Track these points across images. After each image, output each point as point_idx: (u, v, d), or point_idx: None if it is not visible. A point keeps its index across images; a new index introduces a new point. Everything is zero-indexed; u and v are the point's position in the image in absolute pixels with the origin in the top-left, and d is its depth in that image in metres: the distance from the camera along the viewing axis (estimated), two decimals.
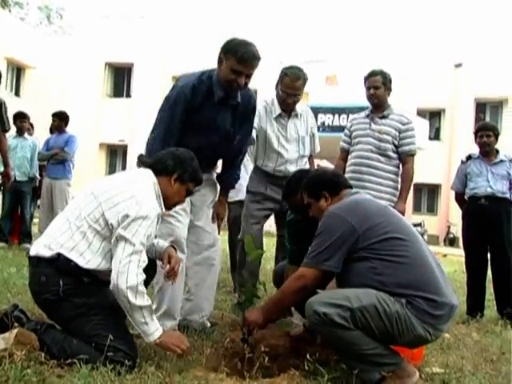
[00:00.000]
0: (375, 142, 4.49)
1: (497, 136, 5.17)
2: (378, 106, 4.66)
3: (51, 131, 7.80)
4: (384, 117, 4.60)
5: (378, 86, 4.63)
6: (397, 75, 21.85)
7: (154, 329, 2.58)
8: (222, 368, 2.69)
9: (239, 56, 3.18)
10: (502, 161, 5.15)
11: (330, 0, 45.78)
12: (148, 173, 2.82)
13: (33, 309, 3.27)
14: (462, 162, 5.37)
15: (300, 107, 4.39)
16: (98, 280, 2.64)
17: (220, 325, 3.57)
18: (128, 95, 24.40)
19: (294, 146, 4.30)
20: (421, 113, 22.98)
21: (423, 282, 2.62)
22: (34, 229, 8.01)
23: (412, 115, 20.86)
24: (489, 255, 5.13)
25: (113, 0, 33.37)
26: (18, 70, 23.49)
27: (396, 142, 4.50)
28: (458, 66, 23.91)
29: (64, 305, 2.57)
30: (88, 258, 2.58)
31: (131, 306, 2.52)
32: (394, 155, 4.53)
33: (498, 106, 23.74)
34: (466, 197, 5.27)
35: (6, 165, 5.65)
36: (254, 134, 4.17)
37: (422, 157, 18.27)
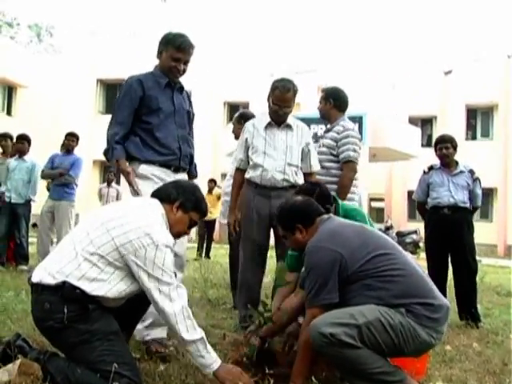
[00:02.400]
0: (318, 157, 4.58)
1: (455, 147, 5.46)
2: (325, 119, 4.90)
3: (66, 150, 7.69)
4: (328, 130, 4.74)
5: (320, 101, 4.84)
6: (387, 84, 21.95)
7: (210, 361, 2.59)
8: None
9: (177, 45, 3.65)
10: (461, 171, 5.43)
11: (319, 11, 46.01)
12: (156, 203, 2.81)
13: (34, 335, 3.24)
14: (425, 173, 5.62)
15: (295, 121, 4.41)
16: (102, 307, 2.61)
17: (222, 344, 3.55)
18: None
19: (281, 153, 4.27)
20: (412, 120, 23.08)
21: (417, 288, 2.66)
22: (30, 249, 7.96)
23: (404, 123, 21.04)
24: (449, 262, 5.39)
25: (103, 17, 33.45)
26: (9, 90, 23.46)
27: (334, 152, 4.59)
28: (448, 73, 24.05)
29: (68, 332, 2.54)
30: (97, 285, 2.56)
31: (185, 342, 2.56)
32: (331, 165, 4.61)
33: (488, 111, 23.88)
34: (427, 206, 5.50)
35: None
36: (243, 153, 4.34)
37: (415, 164, 18.47)
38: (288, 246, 3.09)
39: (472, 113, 24.01)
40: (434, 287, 2.75)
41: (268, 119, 4.30)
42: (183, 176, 3.78)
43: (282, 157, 4.24)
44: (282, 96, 4.17)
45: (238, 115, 5.41)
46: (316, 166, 4.44)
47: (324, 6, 46.99)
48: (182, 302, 2.59)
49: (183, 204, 2.84)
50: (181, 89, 3.88)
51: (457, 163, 5.47)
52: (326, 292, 2.65)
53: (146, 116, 3.65)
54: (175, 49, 3.67)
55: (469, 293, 5.24)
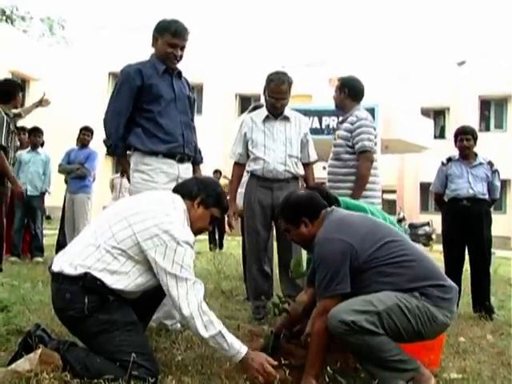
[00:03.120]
0: (332, 149, 4.60)
1: (475, 139, 5.41)
2: (339, 110, 4.81)
3: (81, 144, 7.77)
4: (343, 121, 4.66)
5: (335, 90, 4.72)
6: (399, 75, 21.88)
7: (234, 352, 2.60)
8: (242, 380, 2.67)
9: (173, 31, 3.66)
10: (480, 163, 5.41)
11: (329, 1, 45.78)
12: (178, 199, 2.83)
13: (52, 325, 3.32)
14: (443, 164, 5.58)
15: (292, 113, 4.48)
16: (121, 298, 2.66)
17: (237, 335, 3.57)
18: None
19: (280, 145, 4.33)
20: (425, 112, 22.99)
21: (428, 271, 2.72)
22: (45, 241, 8.04)
23: (416, 115, 20.95)
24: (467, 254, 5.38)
25: (114, 10, 33.54)
26: (22, 83, 23.61)
27: (350, 143, 4.50)
28: (461, 63, 23.90)
29: (88, 322, 2.59)
30: (117, 279, 2.61)
31: (204, 338, 2.58)
32: (349, 156, 4.51)
33: (502, 103, 23.75)
34: (446, 198, 5.48)
35: (11, 182, 5.55)
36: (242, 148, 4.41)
37: (427, 155, 18.42)
38: (290, 239, 3.09)
39: (485, 104, 23.88)
40: (441, 270, 2.82)
41: (265, 112, 4.38)
42: (188, 166, 3.80)
43: (282, 148, 4.30)
44: (277, 88, 4.25)
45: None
46: (313, 157, 4.50)
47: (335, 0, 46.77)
48: (199, 298, 2.61)
49: (204, 200, 2.87)
50: (179, 74, 3.89)
51: (476, 155, 5.45)
52: (338, 282, 2.67)
53: (147, 104, 3.65)
54: (171, 35, 3.68)
55: (483, 285, 5.25)
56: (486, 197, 5.36)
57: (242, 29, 26.79)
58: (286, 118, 4.37)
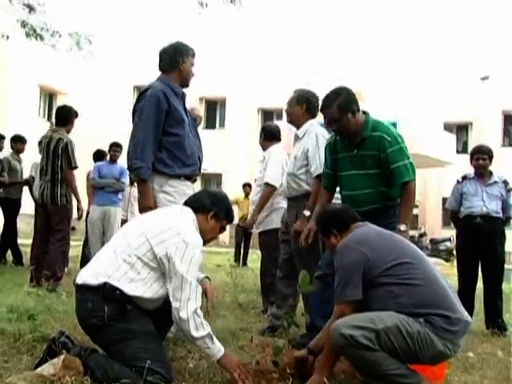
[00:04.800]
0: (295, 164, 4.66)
1: (491, 158, 5.46)
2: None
3: (111, 159, 7.98)
4: (298, 137, 4.62)
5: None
6: (422, 90, 21.85)
7: (215, 351, 2.84)
8: None
9: (193, 52, 3.95)
10: (495, 182, 5.47)
11: (351, 18, 45.96)
12: (188, 211, 3.05)
13: (74, 333, 3.46)
14: (458, 182, 5.63)
15: (303, 128, 4.46)
16: (139, 308, 2.84)
17: (250, 346, 3.71)
18: None
19: (289, 164, 4.53)
20: (448, 127, 22.98)
21: (437, 300, 2.79)
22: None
23: (439, 130, 20.94)
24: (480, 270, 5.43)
25: (140, 26, 34.08)
26: (50, 97, 24.19)
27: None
28: (485, 78, 23.83)
29: (108, 330, 2.77)
30: (135, 286, 2.79)
31: (194, 338, 2.80)
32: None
33: None
34: (460, 215, 5.52)
35: (78, 200, 5.88)
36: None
37: (450, 170, 18.39)
38: (327, 248, 3.33)
39: (509, 119, 23.78)
40: (456, 300, 2.87)
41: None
42: (194, 185, 4.00)
43: (291, 166, 4.45)
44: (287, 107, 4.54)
45: (261, 129, 5.61)
46: (314, 170, 4.30)
47: (357, 14, 46.91)
48: (198, 303, 2.83)
49: (217, 214, 3.09)
50: (184, 96, 3.98)
51: (491, 173, 5.51)
52: (351, 289, 2.83)
53: (173, 128, 3.77)
54: (192, 56, 3.94)
55: (496, 302, 5.31)
56: (500, 215, 5.41)
57: (264, 44, 27.01)
58: (298, 137, 4.50)
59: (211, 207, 3.09)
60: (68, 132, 6.02)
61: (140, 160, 3.66)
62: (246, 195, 12.60)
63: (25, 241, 8.46)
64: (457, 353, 2.97)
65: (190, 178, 3.90)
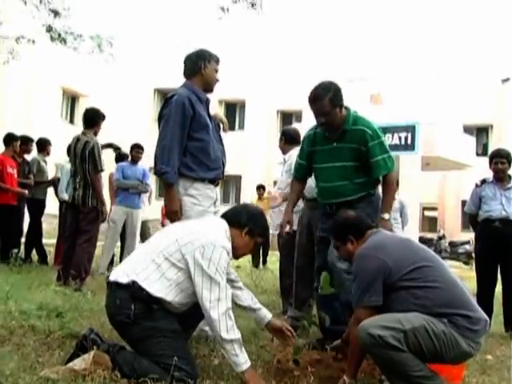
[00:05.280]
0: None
1: (510, 162, 5.47)
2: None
3: (133, 160, 8.10)
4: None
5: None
6: (441, 92, 21.65)
7: (243, 361, 2.82)
8: None
9: (217, 58, 4.03)
10: None
11: (370, 20, 45.82)
12: (221, 221, 3.13)
13: (102, 331, 3.54)
14: (477, 186, 5.66)
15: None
16: (165, 309, 2.91)
17: (270, 346, 3.77)
18: None
19: None
20: (467, 129, 22.80)
21: (458, 300, 2.85)
22: None
23: (458, 132, 20.81)
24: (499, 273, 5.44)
25: (160, 29, 34.34)
26: (72, 99, 24.47)
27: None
28: (506, 80, 23.62)
29: (135, 327, 2.85)
30: (158, 288, 2.86)
31: (223, 339, 2.80)
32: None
33: None
34: (479, 219, 5.55)
35: (102, 203, 5.96)
36: None
37: (469, 173, 18.29)
38: (340, 255, 3.38)
39: None
40: (473, 300, 2.93)
41: None
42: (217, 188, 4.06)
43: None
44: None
45: (281, 132, 5.69)
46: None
47: (376, 17, 46.74)
48: (228, 304, 2.86)
49: (251, 230, 3.13)
50: (208, 101, 4.05)
51: (510, 177, 5.54)
52: (370, 295, 2.89)
53: (198, 133, 3.84)
54: (215, 62, 4.01)
55: None
56: None
57: (283, 47, 27.09)
58: None
59: (247, 223, 3.12)
60: (95, 134, 6.09)
61: (166, 165, 3.73)
62: (259, 197, 12.62)
63: (48, 240, 8.61)
64: (478, 352, 3.01)
65: (214, 181, 3.97)
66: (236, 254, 3.12)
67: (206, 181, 3.90)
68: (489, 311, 5.10)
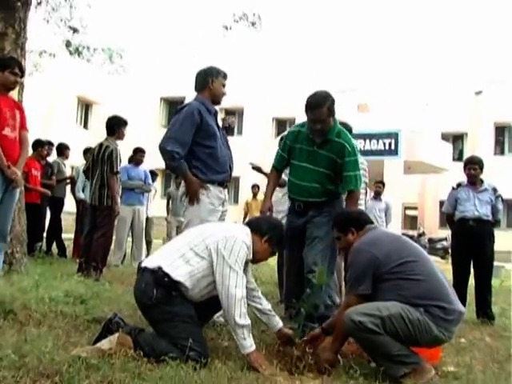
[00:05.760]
0: None
1: (482, 168, 5.60)
2: None
3: (136, 163, 8.17)
4: None
5: None
6: (421, 102, 21.76)
7: (249, 344, 2.92)
8: (275, 365, 2.96)
9: (223, 74, 4.11)
10: (486, 189, 5.60)
11: (359, 35, 46.04)
12: (245, 227, 3.24)
13: (122, 315, 3.68)
14: (453, 189, 5.79)
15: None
16: (184, 296, 3.00)
17: (267, 332, 3.69)
18: None
19: None
20: (445, 136, 23.01)
21: (436, 293, 2.98)
22: None
23: (437, 139, 20.96)
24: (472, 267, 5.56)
25: (166, 42, 34.39)
26: (86, 106, 24.54)
27: None
28: (479, 93, 23.83)
29: (155, 310, 2.95)
30: (180, 273, 2.95)
31: (236, 323, 2.89)
32: None
33: None
34: (455, 218, 5.68)
35: (115, 202, 6.01)
36: None
37: (446, 176, 18.43)
38: (339, 246, 3.48)
39: (500, 130, 23.71)
40: (452, 293, 3.06)
41: None
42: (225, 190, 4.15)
43: None
44: None
45: (280, 138, 5.76)
46: None
47: (365, 33, 46.94)
48: (244, 292, 2.96)
49: (270, 239, 3.22)
50: (216, 113, 4.15)
51: (482, 181, 5.66)
52: (360, 284, 3.03)
53: (207, 141, 3.94)
54: (223, 77, 4.10)
55: (485, 295, 5.46)
56: (490, 218, 5.55)
57: (279, 59, 27.19)
58: None
59: (267, 232, 3.21)
60: (119, 138, 6.13)
61: (172, 158, 3.83)
62: (254, 196, 12.49)
63: (65, 235, 8.68)
64: (451, 338, 3.15)
65: (222, 183, 4.07)
66: (255, 259, 3.20)
67: (216, 183, 3.99)
68: (463, 300, 5.22)
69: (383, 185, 9.49)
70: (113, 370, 2.52)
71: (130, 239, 8.25)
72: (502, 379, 3.06)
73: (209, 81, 4.06)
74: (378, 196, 9.30)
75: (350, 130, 5.13)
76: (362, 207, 4.94)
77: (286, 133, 4.27)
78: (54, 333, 3.14)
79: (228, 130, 4.50)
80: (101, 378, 2.40)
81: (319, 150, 3.91)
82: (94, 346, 2.84)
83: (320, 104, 3.78)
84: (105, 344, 2.81)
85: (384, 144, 16.83)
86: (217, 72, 4.10)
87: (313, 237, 3.90)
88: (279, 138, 4.07)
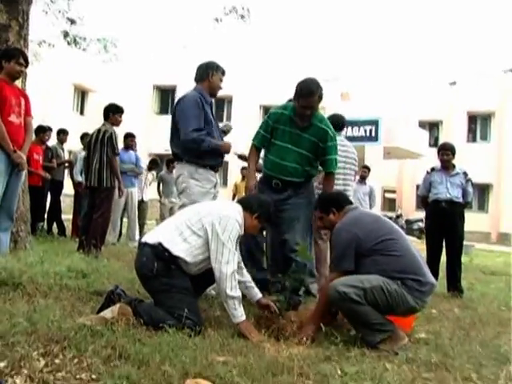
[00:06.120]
0: None
1: (454, 154, 5.72)
2: None
3: (126, 147, 8.17)
4: None
5: None
6: (400, 91, 21.84)
7: (240, 314, 3.01)
8: (263, 333, 3.03)
9: (222, 70, 4.21)
10: (457, 173, 5.73)
11: (343, 25, 45.90)
12: (237, 205, 3.31)
13: None
14: (427, 173, 5.92)
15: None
16: (182, 269, 3.09)
17: (252, 304, 3.77)
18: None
19: None
20: (422, 124, 23.18)
21: (412, 267, 3.11)
22: None
23: (414, 126, 21.12)
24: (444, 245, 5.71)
25: (159, 31, 34.01)
26: (82, 94, 24.32)
27: None
28: (453, 83, 24.03)
29: (155, 281, 3.03)
30: (179, 249, 3.04)
31: (227, 295, 2.99)
32: None
33: (487, 118, 23.83)
34: (429, 200, 5.81)
35: (119, 182, 6.06)
36: None
37: (423, 161, 18.62)
38: (322, 225, 3.52)
39: (472, 119, 23.98)
40: (425, 267, 3.20)
41: None
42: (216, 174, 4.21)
43: None
44: None
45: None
46: None
47: (349, 24, 46.79)
48: (235, 266, 3.05)
49: (260, 216, 3.31)
50: (212, 104, 4.24)
51: (454, 166, 5.78)
52: (344, 261, 3.14)
53: (204, 127, 4.00)
54: (221, 73, 4.20)
55: (455, 271, 5.61)
56: (461, 200, 5.69)
57: (266, 49, 27.10)
58: None
59: (257, 209, 3.29)
60: (114, 124, 6.13)
61: (200, 144, 3.94)
62: (243, 177, 12.21)
63: (64, 216, 8.69)
64: (424, 308, 3.29)
65: (214, 167, 4.15)
66: (246, 233, 3.29)
67: (208, 167, 4.06)
68: (435, 275, 5.37)
69: (368, 170, 9.55)
70: (116, 336, 2.59)
71: (125, 220, 8.32)
72: (466, 344, 3.20)
73: (209, 73, 4.15)
74: (363, 180, 9.37)
75: (344, 123, 5.24)
76: (349, 193, 5.01)
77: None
78: (60, 304, 3.21)
79: (224, 133, 4.55)
80: (105, 343, 2.48)
81: (303, 133, 3.95)
82: (97, 315, 2.91)
83: (313, 92, 3.80)
84: (107, 313, 2.89)
85: (365, 131, 16.91)
86: (217, 67, 4.18)
87: (291, 218, 3.95)
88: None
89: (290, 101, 4.04)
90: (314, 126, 3.94)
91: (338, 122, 5.15)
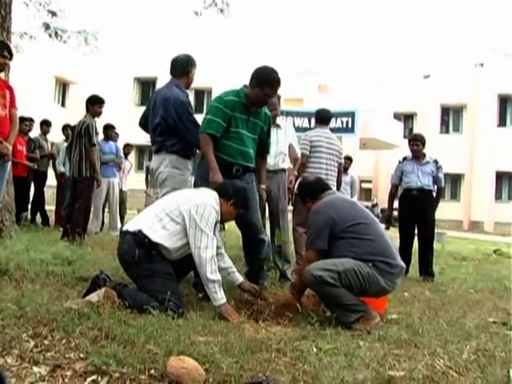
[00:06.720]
0: None
1: (424, 144, 5.86)
2: None
3: (106, 138, 8.11)
4: None
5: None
6: (376, 84, 21.99)
7: (220, 297, 3.07)
8: (242, 315, 3.12)
9: (196, 64, 4.24)
10: (428, 162, 5.87)
11: (322, 20, 45.95)
12: (214, 192, 3.35)
13: None
14: (400, 162, 6.06)
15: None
16: (163, 255, 3.14)
17: (235, 289, 3.76)
18: None
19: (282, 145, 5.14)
20: (397, 116, 23.41)
21: (383, 251, 3.22)
22: None
23: (389, 118, 21.32)
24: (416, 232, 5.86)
25: (139, 24, 33.65)
26: (63, 86, 24.00)
27: None
28: (427, 76, 24.31)
29: (136, 267, 3.09)
30: (159, 235, 3.09)
31: (207, 279, 3.04)
32: None
33: (459, 110, 24.23)
34: (401, 188, 5.96)
35: (96, 172, 6.05)
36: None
37: (398, 152, 18.85)
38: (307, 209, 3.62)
39: (445, 111, 24.36)
40: (396, 251, 3.31)
41: None
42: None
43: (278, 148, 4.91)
44: None
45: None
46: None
47: (326, 18, 46.85)
48: (214, 251, 3.12)
49: (236, 203, 3.36)
50: (188, 96, 4.30)
51: (424, 155, 5.91)
52: (318, 240, 3.25)
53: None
54: (195, 66, 4.25)
55: (427, 256, 5.75)
56: (432, 188, 5.83)
57: (245, 40, 27.01)
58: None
59: (232, 196, 3.33)
60: (94, 116, 6.14)
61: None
62: None
63: (47, 207, 8.67)
64: (394, 290, 3.39)
65: (189, 157, 4.16)
66: (222, 219, 3.34)
67: (186, 157, 4.10)
68: (408, 261, 5.50)
69: (350, 160, 9.64)
70: (102, 318, 2.64)
71: (107, 210, 8.31)
72: (435, 323, 3.31)
73: (189, 70, 4.20)
74: (345, 171, 9.45)
75: (330, 117, 5.48)
76: (332, 183, 5.12)
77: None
78: (47, 289, 3.26)
79: None
80: (91, 324, 2.53)
81: (253, 119, 3.92)
82: (83, 299, 2.96)
83: (280, 81, 3.79)
84: (93, 297, 2.93)
85: (342, 122, 17.01)
86: (194, 62, 4.23)
87: (255, 202, 3.93)
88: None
89: (245, 87, 3.93)
90: (260, 111, 3.97)
91: (325, 116, 5.41)
